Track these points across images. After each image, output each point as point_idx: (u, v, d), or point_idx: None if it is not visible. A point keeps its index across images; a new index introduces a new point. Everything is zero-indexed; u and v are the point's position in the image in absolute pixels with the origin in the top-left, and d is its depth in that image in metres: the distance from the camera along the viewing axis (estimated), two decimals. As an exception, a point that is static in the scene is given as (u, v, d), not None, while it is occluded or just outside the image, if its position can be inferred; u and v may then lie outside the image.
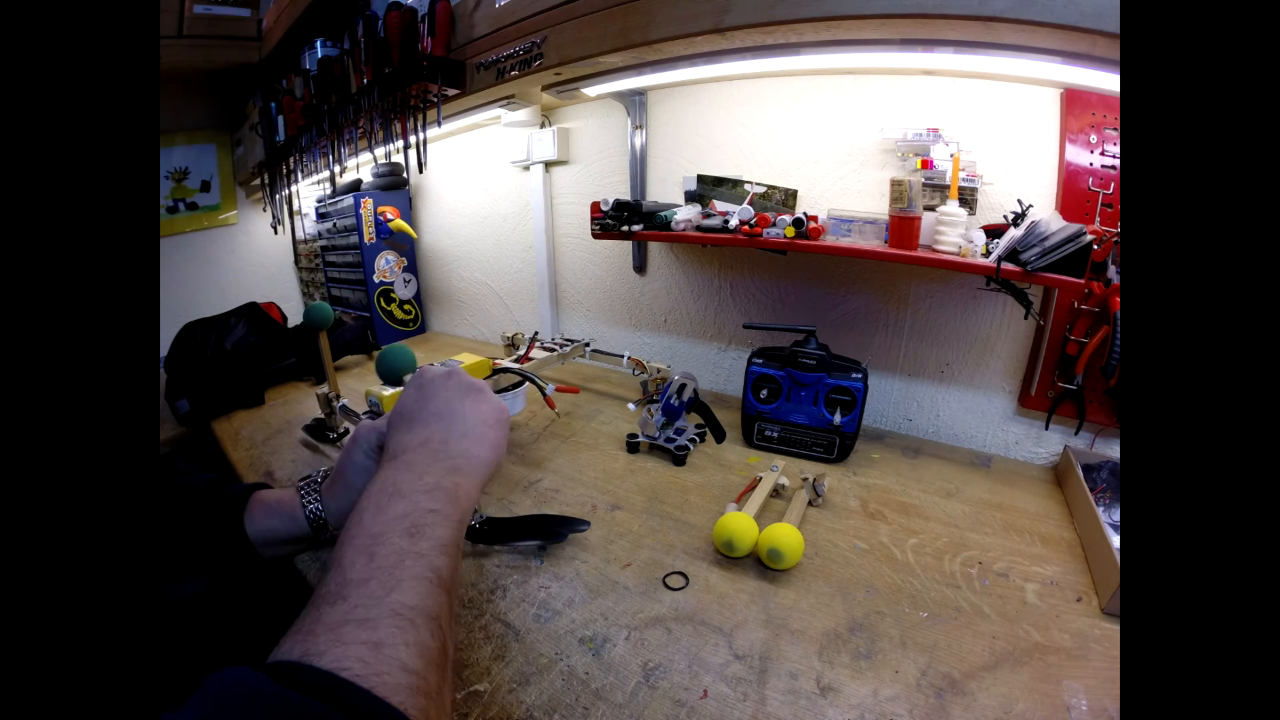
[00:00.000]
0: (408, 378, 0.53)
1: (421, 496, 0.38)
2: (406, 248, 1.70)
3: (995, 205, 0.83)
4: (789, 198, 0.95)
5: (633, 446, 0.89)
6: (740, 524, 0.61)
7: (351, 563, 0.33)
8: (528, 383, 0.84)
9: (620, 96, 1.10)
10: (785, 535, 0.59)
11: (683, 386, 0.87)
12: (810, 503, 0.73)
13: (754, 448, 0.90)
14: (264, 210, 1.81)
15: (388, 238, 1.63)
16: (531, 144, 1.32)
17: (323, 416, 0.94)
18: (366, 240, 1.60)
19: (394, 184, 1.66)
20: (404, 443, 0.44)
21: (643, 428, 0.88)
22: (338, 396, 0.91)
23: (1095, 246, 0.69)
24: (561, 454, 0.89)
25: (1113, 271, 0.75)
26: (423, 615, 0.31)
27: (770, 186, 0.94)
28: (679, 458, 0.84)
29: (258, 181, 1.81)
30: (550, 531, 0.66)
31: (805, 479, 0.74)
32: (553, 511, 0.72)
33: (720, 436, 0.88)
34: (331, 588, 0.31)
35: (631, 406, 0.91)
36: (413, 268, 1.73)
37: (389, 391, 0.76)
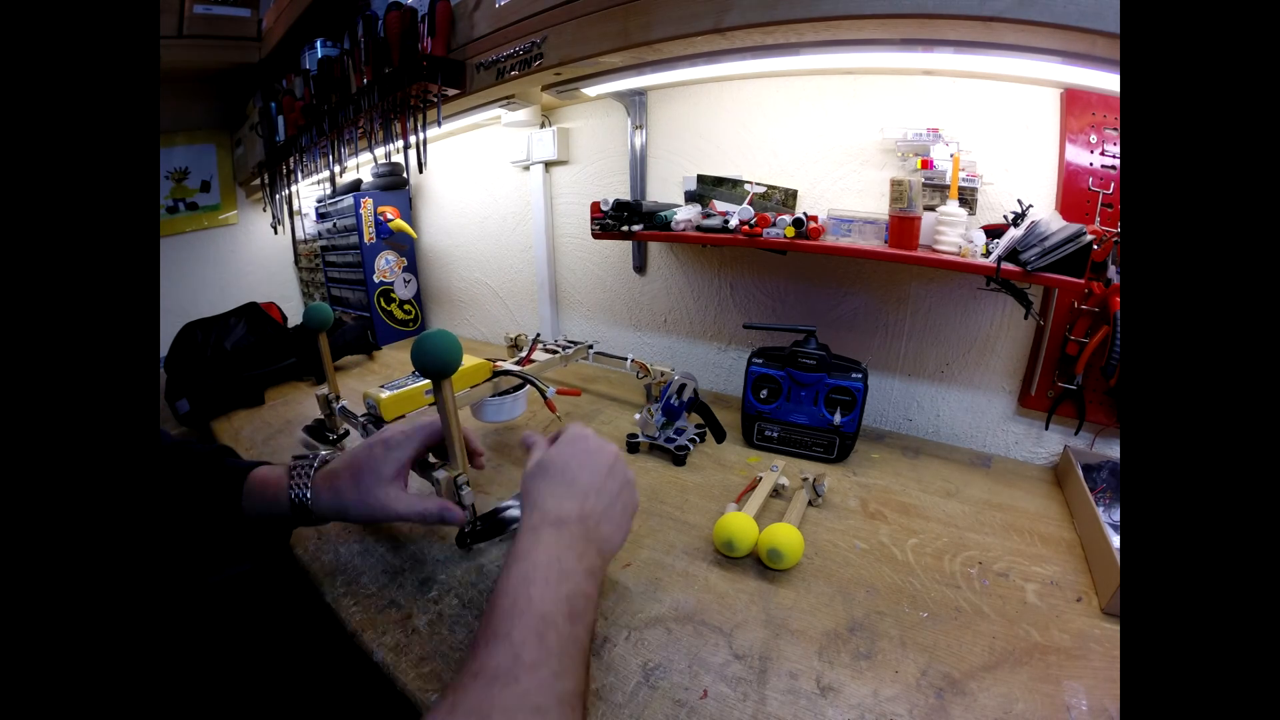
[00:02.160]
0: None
1: (583, 579, 0.41)
2: (406, 248, 1.70)
3: (995, 205, 0.83)
4: (789, 198, 0.95)
5: (632, 446, 0.89)
6: (740, 524, 0.61)
7: (523, 642, 0.35)
8: (529, 385, 0.84)
9: (620, 96, 1.10)
10: (785, 535, 0.59)
11: (683, 386, 0.87)
12: (810, 503, 0.73)
13: (754, 448, 0.90)
14: (264, 210, 1.81)
15: (388, 238, 1.63)
16: (531, 144, 1.32)
17: (322, 418, 0.94)
18: (366, 240, 1.60)
19: (394, 184, 1.66)
20: (564, 510, 0.46)
21: (642, 428, 0.88)
22: (337, 398, 0.91)
23: (1095, 246, 0.69)
24: (561, 454, 0.89)
25: (1113, 271, 0.75)
26: (579, 698, 0.35)
27: (770, 186, 0.94)
28: (679, 458, 0.84)
29: (258, 181, 1.81)
30: None
31: (805, 479, 0.74)
32: None
33: (720, 436, 0.88)
34: (503, 664, 0.33)
35: (637, 417, 0.90)
36: (413, 268, 1.73)
37: (386, 394, 0.76)
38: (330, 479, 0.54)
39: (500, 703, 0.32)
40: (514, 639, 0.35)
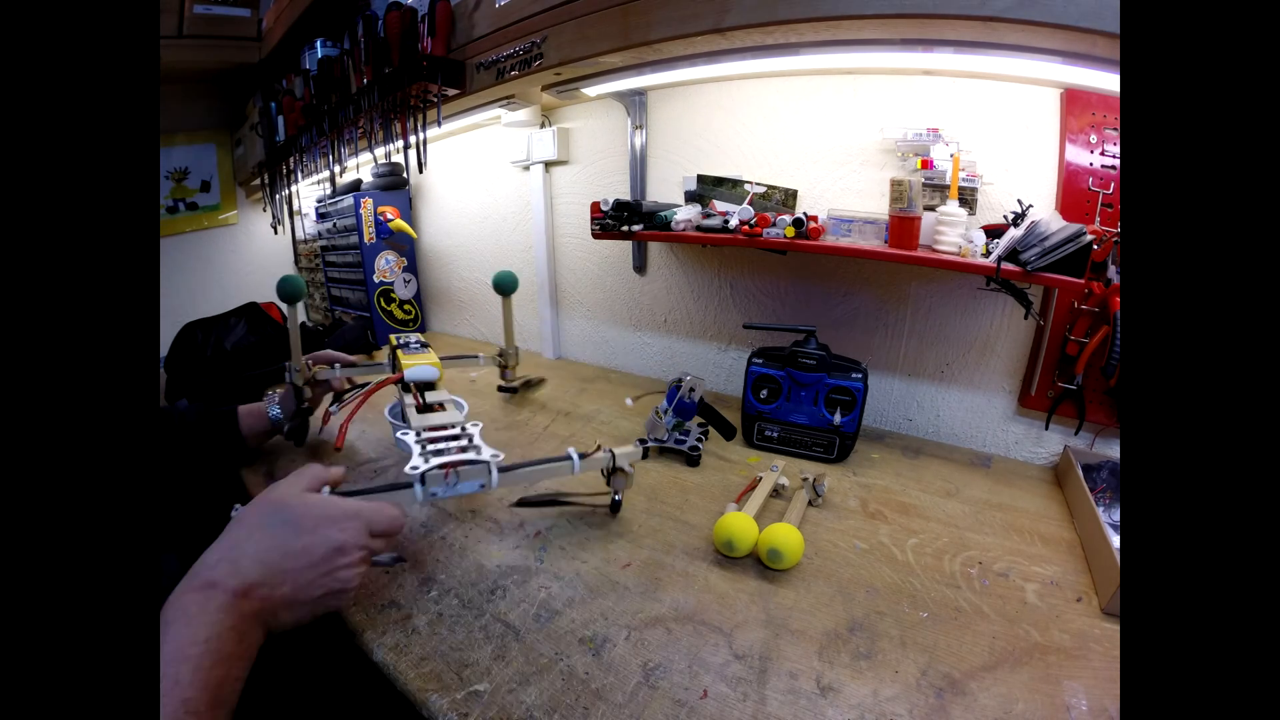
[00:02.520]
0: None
1: (236, 663, 0.39)
2: (406, 248, 1.70)
3: (995, 205, 0.83)
4: (789, 198, 0.95)
5: (643, 453, 0.87)
6: (740, 524, 0.61)
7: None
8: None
9: (620, 96, 1.10)
10: (785, 535, 0.59)
11: (693, 388, 0.87)
12: (810, 503, 0.73)
13: (754, 448, 0.90)
14: (264, 210, 1.81)
15: (388, 238, 1.63)
16: (531, 144, 1.32)
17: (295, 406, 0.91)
18: (366, 240, 1.60)
19: (394, 184, 1.66)
20: (244, 577, 0.42)
21: (651, 430, 0.86)
22: (310, 367, 0.91)
23: (1095, 246, 0.69)
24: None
25: (1113, 271, 0.75)
26: None
27: (770, 186, 0.94)
28: (693, 459, 0.84)
29: (258, 181, 1.81)
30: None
31: (805, 479, 0.74)
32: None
33: (730, 434, 0.88)
34: None
35: (629, 402, 0.90)
36: (413, 268, 1.73)
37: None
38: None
39: None
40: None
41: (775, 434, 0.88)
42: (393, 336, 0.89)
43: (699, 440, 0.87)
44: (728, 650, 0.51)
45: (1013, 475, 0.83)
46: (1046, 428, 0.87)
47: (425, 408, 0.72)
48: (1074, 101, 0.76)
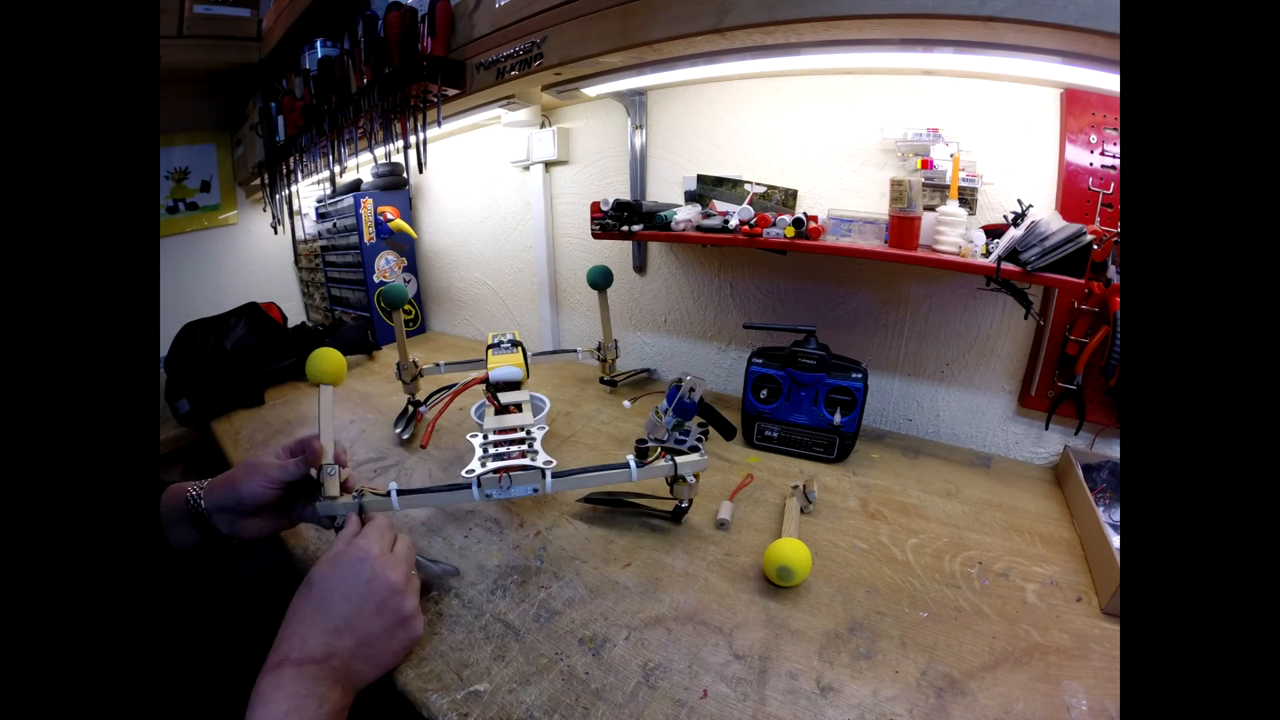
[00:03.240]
0: (342, 529, 0.53)
1: None
2: (406, 248, 1.70)
3: (995, 205, 0.83)
4: (789, 198, 0.95)
5: (642, 454, 0.87)
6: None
7: None
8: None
9: (620, 96, 1.10)
10: (794, 552, 0.57)
11: (693, 388, 0.87)
12: (802, 510, 0.72)
13: (754, 448, 0.90)
14: (264, 210, 1.81)
15: (388, 238, 1.63)
16: (531, 144, 1.32)
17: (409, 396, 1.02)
18: (366, 240, 1.60)
19: (394, 184, 1.66)
20: (309, 647, 0.43)
21: (651, 431, 0.86)
22: (416, 363, 0.99)
23: (1095, 246, 0.69)
24: (562, 454, 0.89)
25: (1113, 271, 0.75)
26: None
27: (770, 186, 0.94)
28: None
29: (258, 181, 1.81)
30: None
31: (795, 487, 0.73)
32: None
33: (730, 434, 0.88)
34: None
35: (628, 404, 0.90)
36: (413, 268, 1.73)
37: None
38: (222, 477, 0.58)
39: None
40: None
41: (775, 434, 0.88)
42: (490, 334, 0.91)
43: (699, 440, 0.87)
44: (728, 650, 0.51)
45: (1013, 475, 0.83)
46: (1046, 428, 0.87)
47: (502, 409, 0.74)
48: (1074, 101, 0.76)
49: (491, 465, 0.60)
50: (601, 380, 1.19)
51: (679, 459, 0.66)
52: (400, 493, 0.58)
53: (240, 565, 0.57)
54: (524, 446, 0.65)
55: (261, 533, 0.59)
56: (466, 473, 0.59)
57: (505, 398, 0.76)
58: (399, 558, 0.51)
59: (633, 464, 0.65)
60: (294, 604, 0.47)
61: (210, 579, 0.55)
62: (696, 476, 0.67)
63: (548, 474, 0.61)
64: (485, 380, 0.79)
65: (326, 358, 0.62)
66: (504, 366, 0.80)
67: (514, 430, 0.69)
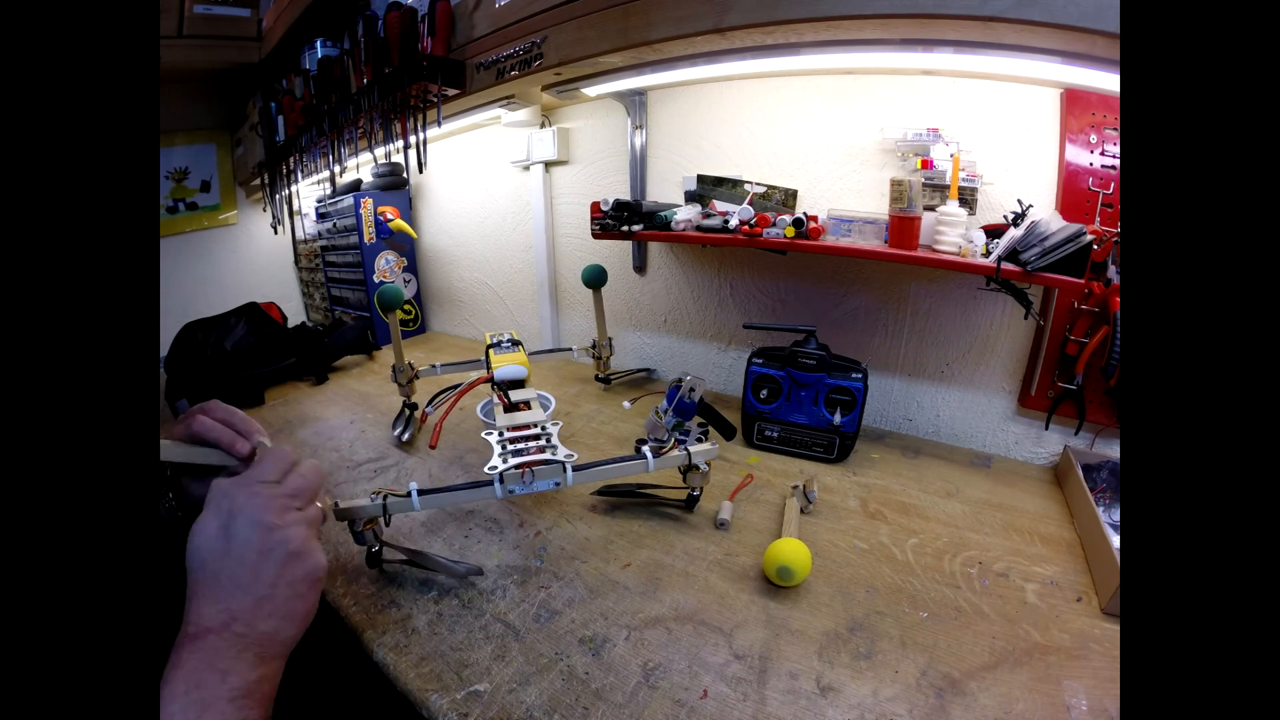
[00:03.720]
0: (216, 488, 0.43)
1: (227, 705, 0.35)
2: (406, 248, 1.70)
3: (995, 205, 0.83)
4: (789, 198, 0.95)
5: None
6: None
7: None
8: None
9: (620, 96, 1.10)
10: (794, 552, 0.57)
11: (693, 388, 0.87)
12: (802, 510, 0.72)
13: (754, 448, 0.90)
14: (264, 210, 1.81)
15: (388, 238, 1.63)
16: (531, 144, 1.32)
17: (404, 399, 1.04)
18: (366, 240, 1.60)
19: (394, 184, 1.66)
20: (204, 617, 0.38)
21: (651, 431, 0.86)
22: (412, 365, 1.01)
23: (1095, 246, 0.69)
24: (561, 454, 0.89)
25: (1113, 271, 0.75)
26: None
27: (770, 186, 0.94)
28: None
29: (258, 181, 1.81)
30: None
31: (795, 487, 0.73)
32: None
33: (730, 434, 0.88)
34: None
35: (627, 404, 0.90)
36: (413, 268, 1.73)
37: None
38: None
39: None
40: None
41: (775, 434, 0.88)
42: (488, 334, 0.91)
43: (699, 440, 0.87)
44: (728, 650, 0.51)
45: (1013, 475, 0.83)
46: (1046, 428, 0.87)
47: (511, 406, 0.75)
48: (1074, 101, 0.76)
49: (514, 461, 0.60)
50: (596, 378, 1.20)
51: (692, 448, 0.68)
52: (421, 492, 0.58)
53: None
54: (541, 442, 0.65)
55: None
56: (489, 469, 0.60)
57: (515, 395, 0.77)
58: (262, 486, 0.43)
59: (649, 454, 0.66)
60: (190, 576, 0.40)
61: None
62: (709, 465, 0.68)
63: (569, 468, 0.61)
64: (490, 380, 0.79)
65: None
66: (509, 365, 0.80)
67: (529, 427, 0.69)
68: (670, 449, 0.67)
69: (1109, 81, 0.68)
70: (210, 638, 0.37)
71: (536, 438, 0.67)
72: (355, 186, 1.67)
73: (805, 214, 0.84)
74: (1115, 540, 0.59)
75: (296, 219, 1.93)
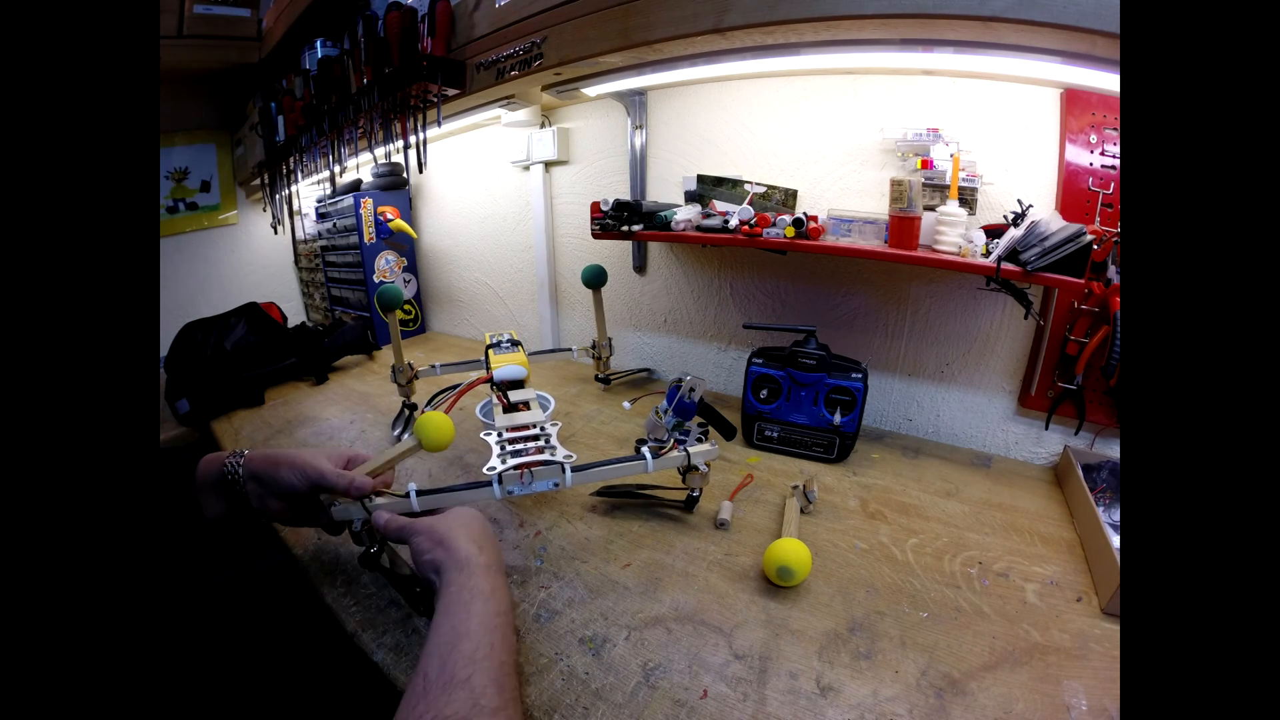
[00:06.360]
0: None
1: (497, 619, 0.45)
2: (406, 248, 1.70)
3: (995, 205, 0.83)
4: (789, 198, 0.95)
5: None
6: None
7: (484, 690, 0.39)
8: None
9: (620, 96, 1.10)
10: (794, 552, 0.57)
11: (693, 388, 0.87)
12: (802, 510, 0.72)
13: (754, 448, 0.90)
14: (264, 210, 1.81)
15: (388, 238, 1.63)
16: (531, 144, 1.32)
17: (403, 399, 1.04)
18: (366, 240, 1.60)
19: (394, 184, 1.66)
20: (484, 558, 0.50)
21: (651, 432, 0.86)
22: (411, 365, 1.01)
23: (1095, 246, 0.69)
24: (561, 454, 0.89)
25: (1113, 271, 0.75)
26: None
27: (770, 186, 0.94)
28: None
29: (258, 181, 1.81)
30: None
31: (795, 487, 0.73)
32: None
33: (730, 434, 0.88)
34: (462, 712, 0.37)
35: (627, 405, 0.90)
36: (413, 268, 1.73)
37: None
38: (264, 452, 0.59)
39: None
40: (474, 686, 0.38)
41: (775, 434, 0.88)
42: (487, 334, 0.92)
43: (699, 441, 0.87)
44: (728, 650, 0.51)
45: (1013, 475, 0.83)
46: (1046, 428, 0.87)
47: (511, 407, 0.74)
48: (1074, 101, 0.76)
49: (513, 461, 0.61)
50: (596, 378, 1.20)
51: (691, 448, 0.67)
52: (420, 493, 0.58)
53: (244, 563, 0.57)
54: (540, 443, 0.66)
55: (279, 516, 0.61)
56: (488, 469, 0.60)
57: (514, 396, 0.77)
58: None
59: (648, 455, 0.65)
60: (448, 537, 0.51)
61: (210, 579, 0.55)
62: (709, 465, 0.68)
63: (568, 468, 0.61)
64: (489, 380, 0.79)
65: (437, 429, 0.58)
66: (509, 365, 0.80)
67: (528, 427, 0.69)
68: (670, 449, 0.67)
69: (1109, 81, 0.68)
70: (494, 570, 0.49)
71: (535, 438, 0.67)
72: (355, 186, 1.67)
73: (805, 214, 0.84)
74: (1115, 540, 0.59)
75: (296, 219, 1.93)
